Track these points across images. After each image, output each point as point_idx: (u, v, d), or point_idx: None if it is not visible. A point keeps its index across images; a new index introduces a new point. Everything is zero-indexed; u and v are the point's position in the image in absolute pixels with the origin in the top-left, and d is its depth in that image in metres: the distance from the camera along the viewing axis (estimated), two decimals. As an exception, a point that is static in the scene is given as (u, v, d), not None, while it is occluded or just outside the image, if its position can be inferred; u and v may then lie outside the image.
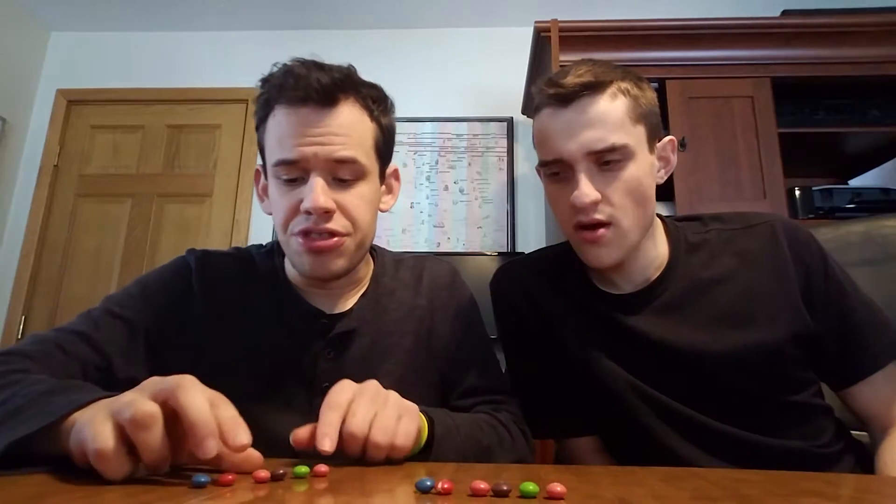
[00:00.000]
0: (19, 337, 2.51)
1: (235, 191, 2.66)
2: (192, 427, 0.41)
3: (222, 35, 2.86)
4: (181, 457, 0.45)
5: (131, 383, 0.70)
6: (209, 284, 0.76)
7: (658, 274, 0.78)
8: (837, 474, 0.66)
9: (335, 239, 0.69)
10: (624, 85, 0.72)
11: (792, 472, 0.51)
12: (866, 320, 0.75)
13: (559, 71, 0.75)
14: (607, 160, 0.70)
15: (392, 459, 0.54)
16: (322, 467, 0.44)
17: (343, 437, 0.50)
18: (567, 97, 0.71)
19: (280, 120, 0.68)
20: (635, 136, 0.72)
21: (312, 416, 0.71)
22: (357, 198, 0.70)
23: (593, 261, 0.74)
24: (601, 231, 0.71)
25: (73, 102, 2.79)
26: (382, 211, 0.78)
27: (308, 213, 0.67)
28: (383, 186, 0.78)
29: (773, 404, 0.73)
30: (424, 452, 0.59)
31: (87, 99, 2.79)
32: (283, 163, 0.68)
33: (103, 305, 0.73)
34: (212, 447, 0.41)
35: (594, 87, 0.71)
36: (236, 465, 0.45)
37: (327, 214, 0.67)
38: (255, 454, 0.46)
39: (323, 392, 0.72)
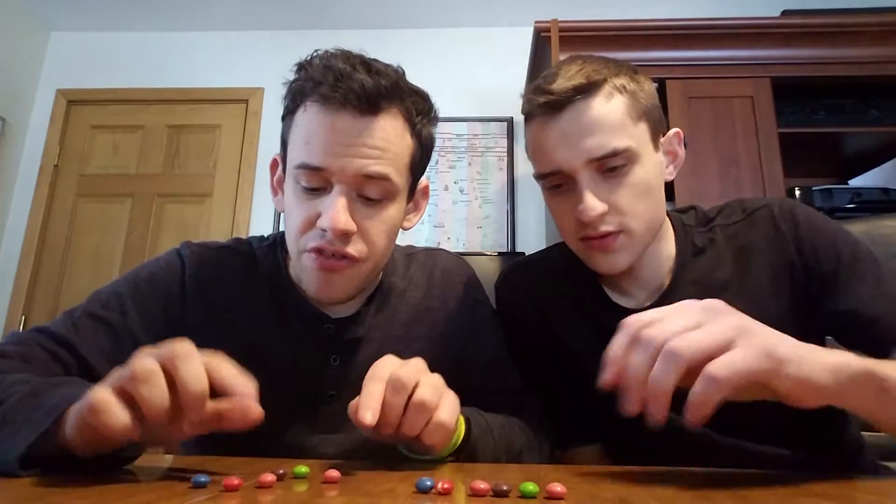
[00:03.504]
0: (19, 337, 2.50)
1: (235, 191, 2.66)
2: (186, 386, 0.41)
3: (222, 35, 2.86)
4: (182, 427, 0.43)
5: None
6: (204, 283, 0.71)
7: (668, 280, 0.73)
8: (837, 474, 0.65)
9: (347, 261, 0.63)
10: (619, 81, 0.67)
11: (792, 472, 0.51)
12: (877, 312, 0.66)
13: (548, 73, 0.70)
14: (611, 166, 0.66)
15: (418, 452, 0.54)
16: (333, 472, 0.44)
17: (385, 399, 0.48)
18: (559, 104, 0.66)
19: (311, 118, 0.61)
20: (638, 136, 0.67)
21: (318, 423, 0.69)
22: (380, 221, 0.64)
23: (605, 268, 0.70)
24: (611, 237, 0.67)
25: (73, 102, 2.79)
26: (405, 229, 0.72)
27: (324, 230, 0.61)
28: (410, 203, 0.72)
29: (785, 412, 0.70)
30: (456, 452, 0.56)
31: (87, 99, 2.79)
32: (305, 167, 0.61)
33: (86, 306, 0.67)
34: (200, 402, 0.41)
35: (587, 90, 0.65)
36: (234, 422, 0.44)
37: (346, 237, 0.61)
38: (254, 407, 0.44)
39: (329, 400, 0.69)
